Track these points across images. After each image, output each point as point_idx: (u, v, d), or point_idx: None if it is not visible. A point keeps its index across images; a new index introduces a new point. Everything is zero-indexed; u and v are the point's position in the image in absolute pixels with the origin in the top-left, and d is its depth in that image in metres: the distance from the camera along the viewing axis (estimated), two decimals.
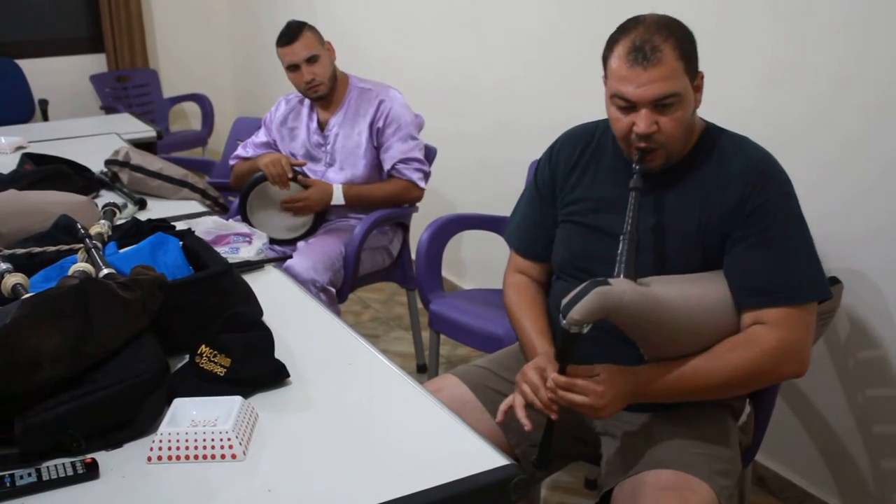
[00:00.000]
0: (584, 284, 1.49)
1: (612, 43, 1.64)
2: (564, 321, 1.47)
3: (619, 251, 1.59)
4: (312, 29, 2.98)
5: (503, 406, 1.65)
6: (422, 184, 3.02)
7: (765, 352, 1.55)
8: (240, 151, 3.26)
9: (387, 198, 3.02)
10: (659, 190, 1.69)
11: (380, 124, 2.98)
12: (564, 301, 1.49)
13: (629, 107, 1.62)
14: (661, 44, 1.57)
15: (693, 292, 1.59)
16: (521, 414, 1.60)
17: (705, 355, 1.58)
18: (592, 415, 1.57)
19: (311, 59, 2.93)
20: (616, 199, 1.69)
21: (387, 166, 3.00)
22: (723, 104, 2.46)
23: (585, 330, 1.48)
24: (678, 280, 1.62)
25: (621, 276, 1.56)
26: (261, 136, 3.22)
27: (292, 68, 2.96)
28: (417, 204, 3.14)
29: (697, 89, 1.66)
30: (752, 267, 1.60)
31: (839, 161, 2.20)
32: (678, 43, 1.59)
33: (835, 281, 1.90)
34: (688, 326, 1.57)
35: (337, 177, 3.04)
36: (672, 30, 1.60)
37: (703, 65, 2.52)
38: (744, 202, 1.61)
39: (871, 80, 2.10)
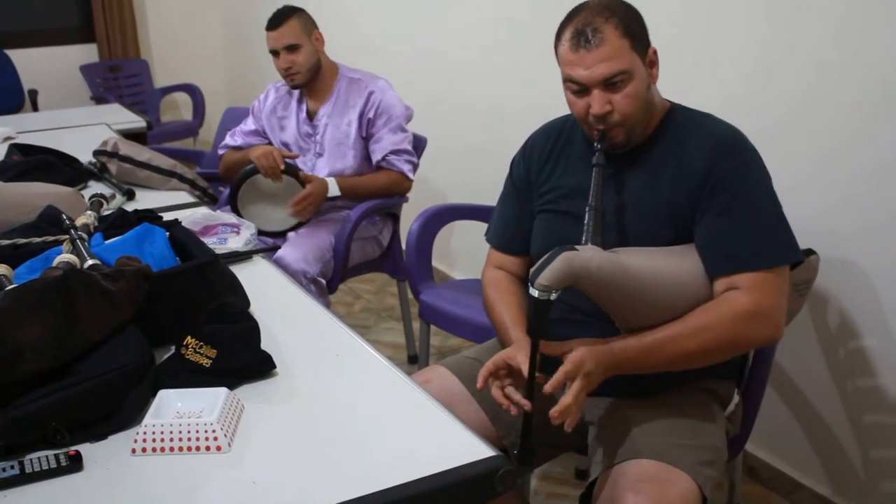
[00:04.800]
0: (551, 252, 1.52)
1: (559, 31, 1.69)
2: (533, 288, 1.49)
3: (585, 222, 1.63)
4: (302, 17, 2.97)
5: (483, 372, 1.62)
6: (411, 175, 3.03)
7: (738, 315, 1.56)
8: (228, 140, 3.24)
9: (378, 190, 3.01)
10: (626, 171, 1.72)
11: (370, 115, 2.97)
12: (532, 269, 1.51)
13: (582, 90, 1.66)
14: (602, 25, 1.61)
15: (663, 261, 1.62)
16: (496, 394, 1.59)
17: (679, 322, 1.58)
18: None
19: (291, 48, 2.94)
20: (587, 185, 1.71)
21: (377, 157, 2.99)
22: (713, 95, 2.46)
23: (553, 296, 1.49)
24: (648, 250, 1.64)
25: (588, 244, 1.59)
26: (249, 124, 3.21)
27: (274, 53, 2.98)
28: (407, 194, 3.14)
29: (652, 65, 1.69)
30: (720, 235, 1.62)
31: (834, 154, 2.19)
32: (620, 21, 1.62)
33: (810, 252, 1.90)
34: (659, 295, 1.58)
35: (325, 168, 3.03)
36: (613, 10, 1.63)
37: (694, 55, 2.54)
38: (708, 175, 1.63)
39: (867, 69, 2.08)
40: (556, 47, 1.70)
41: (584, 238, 1.62)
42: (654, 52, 1.69)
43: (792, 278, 1.70)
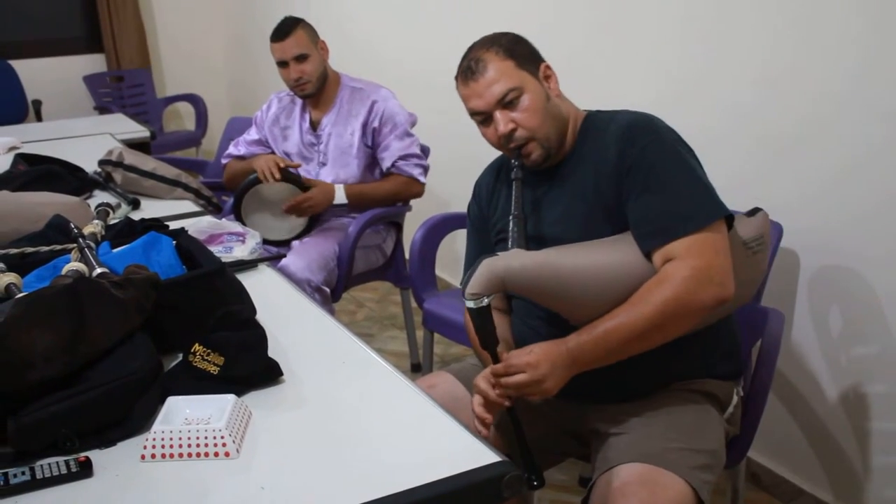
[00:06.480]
0: (475, 263, 1.60)
1: (455, 76, 1.80)
2: (466, 299, 1.57)
3: (509, 229, 1.71)
4: (307, 27, 2.99)
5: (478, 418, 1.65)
6: (422, 179, 3.04)
7: (679, 282, 1.56)
8: (231, 150, 3.26)
9: (388, 195, 3.03)
10: (554, 186, 1.80)
11: (375, 124, 2.98)
12: (461, 283, 1.60)
13: (486, 118, 1.76)
14: (484, 55, 1.74)
15: (594, 249, 1.65)
16: (479, 410, 1.62)
17: (625, 305, 1.60)
18: (540, 391, 1.58)
19: (300, 58, 2.95)
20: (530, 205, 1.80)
21: (386, 164, 3.00)
22: (717, 105, 2.47)
23: (486, 302, 1.57)
24: (579, 244, 1.68)
25: (514, 248, 1.67)
26: (252, 134, 3.22)
27: (282, 64, 2.99)
28: (411, 202, 3.15)
29: (547, 78, 1.78)
30: (643, 212, 1.65)
31: (841, 165, 2.18)
32: (501, 48, 1.74)
33: (756, 210, 1.89)
34: (595, 283, 1.60)
35: (329, 177, 3.05)
36: (494, 40, 1.76)
37: (696, 63, 2.55)
38: (621, 165, 1.68)
39: (878, 79, 2.07)
40: (457, 89, 1.80)
41: (509, 243, 1.69)
42: (548, 67, 1.79)
43: (738, 237, 1.72)
